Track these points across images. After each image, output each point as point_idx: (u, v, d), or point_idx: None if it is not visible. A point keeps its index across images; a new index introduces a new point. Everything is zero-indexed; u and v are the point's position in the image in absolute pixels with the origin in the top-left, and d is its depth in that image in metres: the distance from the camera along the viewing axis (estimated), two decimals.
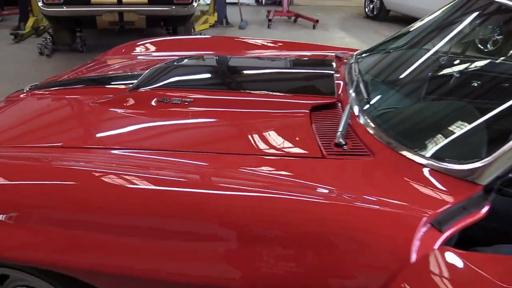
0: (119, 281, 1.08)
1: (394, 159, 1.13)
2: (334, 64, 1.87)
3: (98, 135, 1.47)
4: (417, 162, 1.09)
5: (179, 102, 1.54)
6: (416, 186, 1.05)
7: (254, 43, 2.53)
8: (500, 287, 0.81)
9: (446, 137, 1.17)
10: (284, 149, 1.26)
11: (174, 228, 1.02)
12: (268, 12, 7.69)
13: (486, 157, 1.00)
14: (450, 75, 1.63)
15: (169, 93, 1.59)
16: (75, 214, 1.07)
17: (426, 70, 1.62)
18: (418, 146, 1.13)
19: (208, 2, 7.36)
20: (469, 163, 1.02)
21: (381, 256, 0.92)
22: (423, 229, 0.94)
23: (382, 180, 1.10)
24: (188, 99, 1.54)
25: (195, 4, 4.80)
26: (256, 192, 1.04)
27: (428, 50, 1.63)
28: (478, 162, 1.01)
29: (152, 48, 2.58)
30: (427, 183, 1.05)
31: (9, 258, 1.12)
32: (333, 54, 2.05)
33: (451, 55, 1.64)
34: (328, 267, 0.94)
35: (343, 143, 1.21)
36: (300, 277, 0.96)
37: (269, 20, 7.29)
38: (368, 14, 8.63)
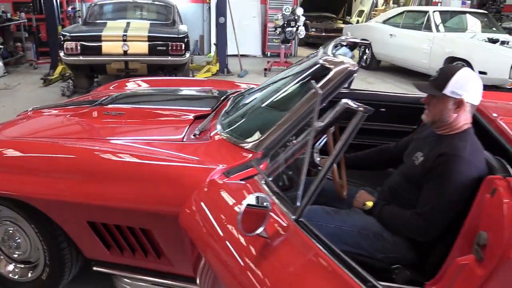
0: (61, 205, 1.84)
1: (220, 141, 1.87)
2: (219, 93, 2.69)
3: (66, 130, 2.31)
4: (229, 141, 1.83)
5: (115, 113, 2.35)
6: (224, 154, 1.78)
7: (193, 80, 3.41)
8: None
9: (245, 129, 1.91)
10: (163, 136, 2.03)
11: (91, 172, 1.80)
12: (268, 62, 8.66)
13: (259, 138, 1.74)
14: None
15: (111, 108, 2.41)
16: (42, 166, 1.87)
17: (251, 102, 2.35)
18: (232, 134, 1.87)
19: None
20: (252, 141, 1.76)
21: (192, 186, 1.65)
22: (217, 175, 1.66)
23: (208, 152, 1.84)
24: (121, 112, 2.36)
25: (187, 55, 5.77)
26: (134, 156, 1.81)
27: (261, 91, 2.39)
28: (256, 140, 1.74)
29: (139, 84, 3.47)
30: (231, 152, 1.78)
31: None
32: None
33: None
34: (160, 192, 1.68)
35: (197, 134, 1.96)
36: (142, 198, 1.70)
37: (265, 70, 8.23)
38: (362, 64, 9.46)
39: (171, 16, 6.58)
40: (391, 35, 8.30)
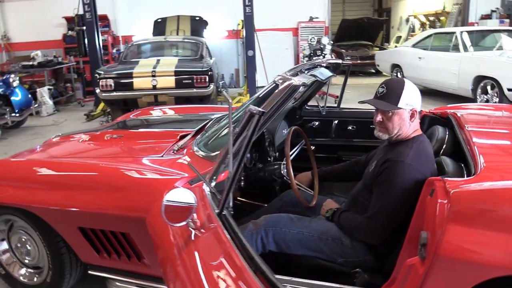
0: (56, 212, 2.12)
1: (191, 155, 2.09)
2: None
3: (69, 151, 2.65)
4: (198, 155, 2.05)
5: (115, 136, 2.67)
6: (200, 164, 2.00)
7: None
8: None
9: (212, 145, 2.11)
10: (147, 153, 2.29)
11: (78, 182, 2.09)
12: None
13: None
14: None
15: (111, 133, 2.73)
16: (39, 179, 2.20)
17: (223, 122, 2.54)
18: (202, 149, 2.09)
19: None
20: (215, 154, 1.97)
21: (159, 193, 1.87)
22: (183, 183, 1.88)
23: (179, 165, 2.06)
24: (120, 135, 2.67)
25: (211, 86, 6.14)
26: (114, 170, 2.07)
27: None
28: (214, 152, 1.96)
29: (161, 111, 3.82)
30: (199, 164, 1.99)
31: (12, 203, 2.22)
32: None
33: None
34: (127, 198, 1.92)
35: (176, 150, 2.20)
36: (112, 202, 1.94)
37: (294, 99, 8.44)
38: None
39: (199, 52, 7.04)
40: (419, 58, 8.28)
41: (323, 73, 2.59)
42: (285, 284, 1.90)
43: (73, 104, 9.23)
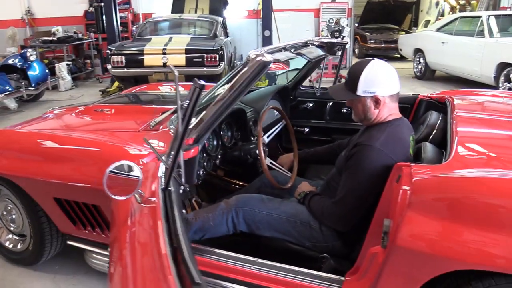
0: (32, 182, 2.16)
1: (164, 132, 2.07)
2: None
3: (55, 124, 2.67)
4: (170, 131, 2.02)
5: (105, 110, 2.67)
6: (163, 141, 1.98)
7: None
8: None
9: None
10: (126, 127, 2.28)
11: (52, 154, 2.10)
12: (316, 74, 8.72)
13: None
14: None
15: (103, 107, 2.74)
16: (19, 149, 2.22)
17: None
18: (173, 125, 2.06)
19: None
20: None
21: None
22: (150, 158, 1.86)
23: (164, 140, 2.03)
24: (109, 109, 2.67)
25: (222, 65, 6.09)
26: (87, 142, 2.07)
27: None
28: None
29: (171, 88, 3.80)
30: (169, 140, 1.97)
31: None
32: None
33: None
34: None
35: (152, 126, 2.18)
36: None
37: (310, 81, 8.29)
38: (416, 75, 9.14)
39: (212, 31, 6.97)
40: (443, 42, 7.96)
41: (312, 52, 2.51)
42: (249, 265, 1.88)
43: (92, 80, 9.37)
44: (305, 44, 2.57)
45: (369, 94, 1.75)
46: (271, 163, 2.25)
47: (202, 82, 1.22)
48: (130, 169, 1.38)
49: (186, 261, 0.99)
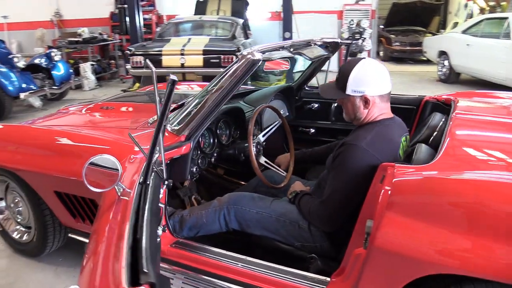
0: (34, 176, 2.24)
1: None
2: None
3: (62, 120, 2.74)
4: (167, 129, 2.05)
5: (109, 108, 2.74)
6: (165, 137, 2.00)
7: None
8: None
9: (178, 119, 2.07)
10: (125, 124, 2.33)
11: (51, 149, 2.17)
12: None
13: (181, 125, 1.94)
14: None
15: (107, 104, 2.80)
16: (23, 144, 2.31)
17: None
18: (169, 123, 2.08)
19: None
20: (177, 128, 1.96)
21: None
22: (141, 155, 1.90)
23: (147, 138, 2.07)
24: (112, 107, 2.73)
25: None
26: (86, 138, 2.13)
27: None
28: (179, 126, 1.95)
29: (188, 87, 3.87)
30: (165, 137, 2.00)
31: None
32: None
33: None
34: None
35: (150, 123, 2.22)
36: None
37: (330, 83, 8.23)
38: (440, 78, 8.92)
39: (231, 32, 7.02)
40: (467, 45, 7.74)
41: (314, 52, 2.49)
42: (237, 263, 1.89)
43: (116, 81, 9.59)
44: (307, 44, 2.56)
45: (358, 94, 1.73)
46: (266, 162, 2.25)
47: (174, 77, 1.24)
48: (110, 162, 1.42)
49: (141, 251, 1.01)
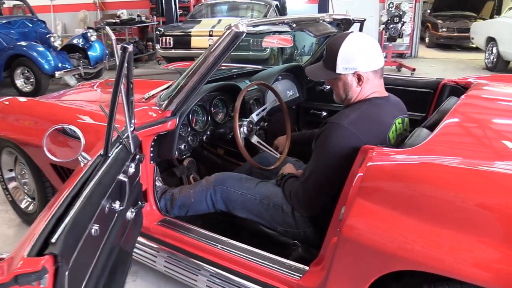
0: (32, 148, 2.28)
1: (151, 104, 2.05)
2: None
3: (73, 96, 2.78)
4: (155, 105, 2.00)
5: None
6: (147, 114, 1.96)
7: None
8: None
9: (165, 95, 2.00)
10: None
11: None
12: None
13: (165, 101, 1.89)
14: None
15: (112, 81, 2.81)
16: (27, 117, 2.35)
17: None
18: (159, 99, 2.03)
19: None
20: (163, 103, 1.91)
21: None
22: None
23: (141, 113, 2.03)
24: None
25: (268, 50, 5.99)
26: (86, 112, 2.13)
27: None
28: (165, 102, 1.90)
29: None
30: (152, 113, 1.95)
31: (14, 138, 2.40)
32: None
33: None
34: None
35: (145, 99, 2.18)
36: None
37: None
38: (487, 66, 8.36)
39: (263, 14, 6.88)
40: None
41: (320, 29, 2.35)
42: (216, 244, 1.83)
43: (153, 62, 9.74)
44: (315, 20, 2.42)
45: (350, 71, 1.59)
46: (258, 142, 2.15)
47: (126, 45, 1.17)
48: (72, 132, 1.39)
49: (62, 221, 0.97)
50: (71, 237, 0.95)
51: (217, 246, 1.81)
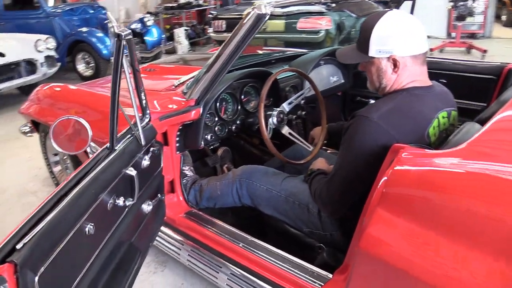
0: None
1: (178, 93, 1.97)
2: None
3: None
4: (181, 93, 1.92)
5: (151, 70, 2.70)
6: (173, 102, 1.88)
7: None
8: None
9: (191, 83, 1.90)
10: (154, 87, 2.24)
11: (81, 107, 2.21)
12: (443, 43, 7.67)
13: (189, 90, 1.80)
14: None
15: (151, 66, 2.77)
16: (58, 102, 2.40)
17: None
18: (185, 88, 1.93)
19: None
20: (187, 92, 1.82)
21: None
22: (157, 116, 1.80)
23: (163, 100, 1.95)
24: (154, 69, 2.69)
25: (322, 32, 5.70)
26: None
27: None
28: (189, 90, 1.81)
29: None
30: (178, 101, 1.87)
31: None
32: None
33: None
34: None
35: (175, 86, 2.11)
36: None
37: (431, 50, 7.34)
38: None
39: None
40: None
41: (363, 7, 2.13)
42: (238, 242, 1.73)
43: (210, 46, 9.75)
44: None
45: (385, 54, 1.39)
46: (289, 133, 2.00)
47: (121, 32, 1.08)
48: (79, 125, 1.34)
49: (42, 219, 0.91)
50: (46, 241, 0.89)
51: (239, 244, 1.71)
